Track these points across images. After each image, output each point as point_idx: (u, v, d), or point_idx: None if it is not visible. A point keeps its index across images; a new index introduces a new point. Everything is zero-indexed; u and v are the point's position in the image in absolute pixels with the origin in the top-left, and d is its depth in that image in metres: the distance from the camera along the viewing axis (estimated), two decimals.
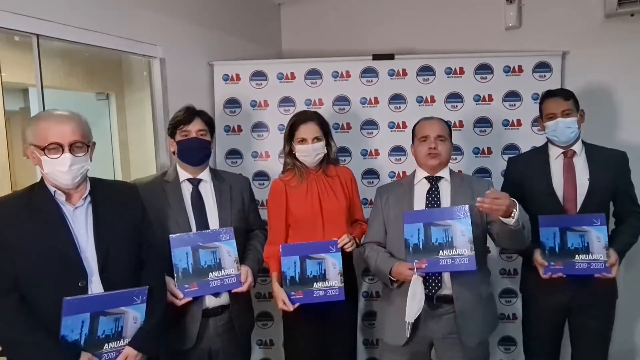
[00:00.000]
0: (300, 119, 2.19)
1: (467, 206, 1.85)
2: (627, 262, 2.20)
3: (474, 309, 1.94)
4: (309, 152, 2.14)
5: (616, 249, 2.02)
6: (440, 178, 2.04)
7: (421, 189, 2.05)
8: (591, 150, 2.17)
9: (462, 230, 1.84)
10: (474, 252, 1.83)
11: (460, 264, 1.84)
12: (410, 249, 1.89)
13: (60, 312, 1.46)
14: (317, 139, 2.15)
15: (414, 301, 1.84)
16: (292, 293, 2.03)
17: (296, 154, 2.17)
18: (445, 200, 2.00)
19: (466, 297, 1.93)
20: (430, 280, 1.95)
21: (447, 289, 1.95)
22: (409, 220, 1.90)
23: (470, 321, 1.93)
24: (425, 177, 2.05)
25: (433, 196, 2.02)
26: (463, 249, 1.84)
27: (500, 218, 1.77)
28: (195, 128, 2.04)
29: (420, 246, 1.88)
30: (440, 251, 1.86)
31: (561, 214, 2.09)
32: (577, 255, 2.01)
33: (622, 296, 2.21)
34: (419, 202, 2.03)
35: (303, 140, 2.14)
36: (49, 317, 1.48)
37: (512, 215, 1.75)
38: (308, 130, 2.15)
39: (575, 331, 2.20)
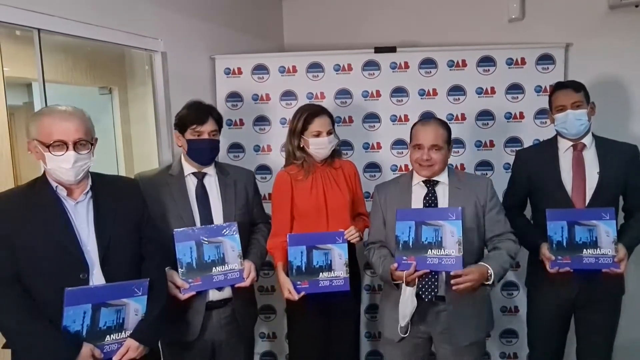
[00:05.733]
0: (313, 112, 2.16)
1: (459, 208, 1.86)
2: (637, 257, 2.18)
3: (465, 310, 1.94)
4: (325, 144, 2.13)
5: (625, 243, 1.99)
6: (437, 182, 2.01)
7: (418, 192, 2.03)
8: (601, 144, 2.14)
9: (452, 231, 1.84)
10: (461, 254, 1.84)
11: (447, 264, 1.85)
12: (400, 246, 1.89)
13: (62, 304, 1.48)
14: (330, 132, 2.15)
15: (404, 306, 1.89)
16: (298, 282, 2.03)
17: (310, 147, 2.15)
18: (443, 205, 1.98)
19: (458, 299, 1.92)
20: (429, 281, 1.94)
21: (442, 289, 1.95)
22: (402, 218, 1.91)
23: (461, 322, 1.95)
24: (422, 181, 2.02)
25: (430, 202, 2.00)
26: (451, 250, 1.84)
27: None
28: (208, 129, 2.01)
29: (410, 244, 1.89)
30: (429, 250, 1.87)
31: (570, 208, 2.07)
32: (585, 250, 1.97)
33: (630, 291, 2.20)
34: (417, 205, 2.01)
35: (319, 134, 2.13)
36: (51, 310, 1.50)
37: (489, 280, 1.86)
38: (323, 123, 2.14)
39: (581, 326, 2.19)
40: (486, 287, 1.92)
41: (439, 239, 1.86)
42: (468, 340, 1.96)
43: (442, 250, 1.85)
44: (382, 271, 2.00)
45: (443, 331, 1.97)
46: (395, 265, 1.89)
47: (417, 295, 1.92)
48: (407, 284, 1.87)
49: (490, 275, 1.85)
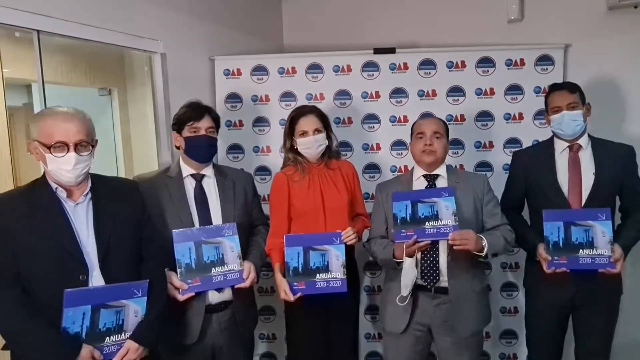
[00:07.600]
0: (299, 113, 2.21)
1: (452, 187, 1.97)
2: (633, 258, 2.18)
3: (466, 301, 2.01)
4: (311, 143, 2.15)
5: (621, 244, 1.99)
6: (437, 176, 2.08)
7: (419, 186, 2.09)
8: (597, 145, 2.15)
9: (446, 206, 1.94)
10: (457, 223, 1.91)
11: (445, 233, 1.92)
12: (398, 221, 1.96)
13: (61, 306, 1.48)
14: (318, 130, 2.16)
15: (405, 276, 1.95)
16: (295, 284, 2.03)
17: (298, 147, 2.18)
18: None
19: (460, 289, 2.00)
20: (429, 273, 2.01)
21: (444, 281, 2.01)
22: (398, 199, 1.99)
23: (463, 312, 2.01)
24: (423, 175, 2.10)
25: None
26: (447, 220, 1.93)
27: (474, 252, 1.92)
28: (205, 125, 2.03)
29: (408, 219, 1.96)
30: (427, 222, 1.95)
31: (566, 208, 2.07)
32: (581, 250, 1.97)
33: (628, 292, 2.20)
34: None
35: (304, 133, 2.16)
36: (51, 311, 1.49)
37: (483, 251, 1.93)
38: (308, 122, 2.16)
39: (579, 326, 2.19)
40: (481, 262, 1.99)
41: (435, 212, 1.95)
42: (469, 331, 2.01)
43: (439, 221, 1.94)
44: (382, 252, 2.06)
45: (443, 323, 2.02)
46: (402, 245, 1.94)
47: (420, 286, 2.01)
48: (408, 255, 1.93)
49: (484, 245, 1.92)
